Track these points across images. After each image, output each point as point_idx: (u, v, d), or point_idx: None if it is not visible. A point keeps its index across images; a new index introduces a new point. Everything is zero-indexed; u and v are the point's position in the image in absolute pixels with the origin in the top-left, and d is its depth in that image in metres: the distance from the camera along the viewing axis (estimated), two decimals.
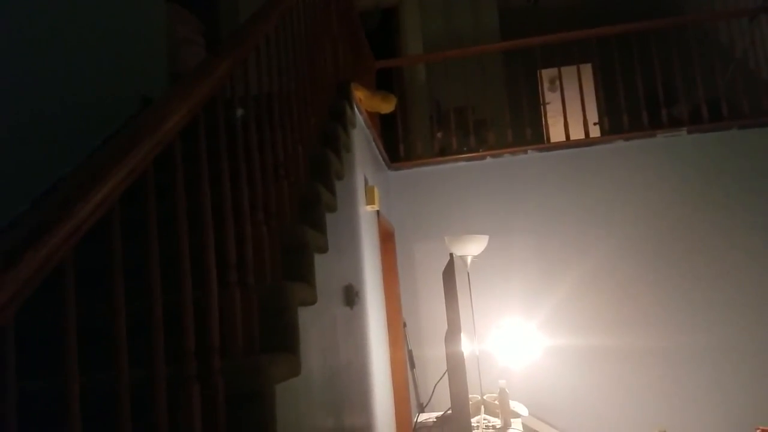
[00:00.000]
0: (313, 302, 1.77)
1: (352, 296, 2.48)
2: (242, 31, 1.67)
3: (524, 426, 3.20)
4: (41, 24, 2.53)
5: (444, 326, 2.54)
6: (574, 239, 4.09)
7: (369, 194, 2.88)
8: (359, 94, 2.79)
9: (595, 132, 4.41)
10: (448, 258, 2.69)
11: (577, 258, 4.06)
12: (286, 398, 1.43)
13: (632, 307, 3.99)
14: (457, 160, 4.35)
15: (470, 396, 2.72)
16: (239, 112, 1.57)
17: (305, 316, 1.65)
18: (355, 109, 2.80)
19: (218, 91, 1.43)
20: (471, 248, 3.28)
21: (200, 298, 1.26)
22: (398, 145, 4.43)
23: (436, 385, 3.84)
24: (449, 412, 2.57)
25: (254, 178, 1.59)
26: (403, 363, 3.88)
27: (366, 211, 2.90)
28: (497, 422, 2.95)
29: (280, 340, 1.51)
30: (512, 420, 2.94)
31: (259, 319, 1.45)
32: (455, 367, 2.26)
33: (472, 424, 2.64)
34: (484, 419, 3.00)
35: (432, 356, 4.02)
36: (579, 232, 4.10)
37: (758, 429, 3.59)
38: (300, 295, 1.63)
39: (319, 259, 1.87)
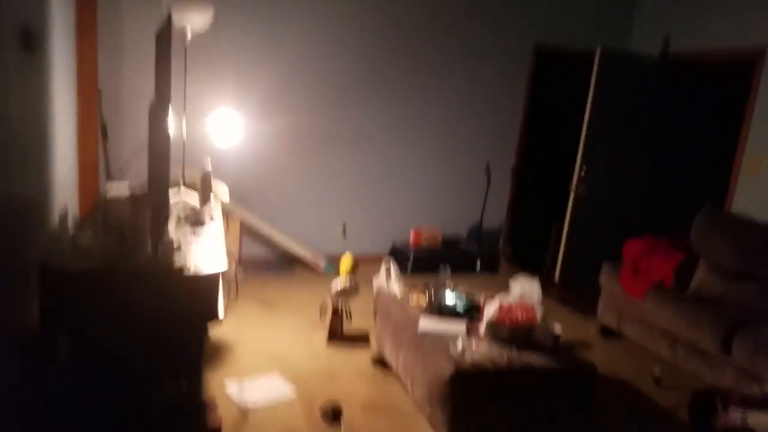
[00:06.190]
0: None
1: (31, 37, 1.97)
2: None
3: (223, 210, 3.24)
4: None
5: (149, 98, 2.23)
6: (298, 32, 4.03)
7: None
8: None
9: None
10: (165, 19, 2.29)
11: (295, 48, 4.06)
12: None
13: (338, 97, 4.25)
14: None
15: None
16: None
17: None
18: None
19: None
20: (193, 19, 2.90)
21: None
22: None
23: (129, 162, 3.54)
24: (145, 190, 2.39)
25: None
26: (95, 133, 3.45)
27: None
28: (195, 204, 2.90)
29: None
30: (213, 204, 2.92)
31: None
32: (158, 143, 2.04)
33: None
34: (183, 201, 2.92)
35: (130, 128, 3.66)
36: (305, 27, 4.04)
37: (413, 228, 4.47)
38: None
39: None
